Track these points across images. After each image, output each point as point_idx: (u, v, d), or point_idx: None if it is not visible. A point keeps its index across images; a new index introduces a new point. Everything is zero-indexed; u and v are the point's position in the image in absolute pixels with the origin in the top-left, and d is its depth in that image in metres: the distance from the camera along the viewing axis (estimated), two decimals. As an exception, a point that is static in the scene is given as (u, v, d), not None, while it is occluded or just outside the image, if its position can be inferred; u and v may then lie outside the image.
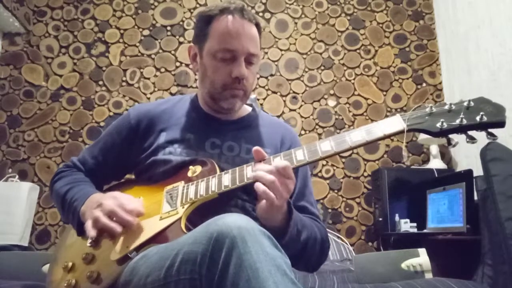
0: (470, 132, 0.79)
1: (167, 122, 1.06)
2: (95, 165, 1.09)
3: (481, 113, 0.76)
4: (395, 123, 0.82)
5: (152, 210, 0.91)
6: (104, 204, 0.88)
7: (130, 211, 0.87)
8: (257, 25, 1.03)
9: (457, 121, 0.77)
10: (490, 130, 0.78)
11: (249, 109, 1.16)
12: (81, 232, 0.96)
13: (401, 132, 0.81)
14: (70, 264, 0.91)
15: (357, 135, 0.83)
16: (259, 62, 1.07)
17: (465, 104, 0.79)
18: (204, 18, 1.02)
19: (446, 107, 0.81)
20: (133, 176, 1.13)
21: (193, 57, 1.08)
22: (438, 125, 0.79)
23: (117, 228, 0.85)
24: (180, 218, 0.86)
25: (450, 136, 0.81)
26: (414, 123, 0.81)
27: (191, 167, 0.96)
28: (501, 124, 0.76)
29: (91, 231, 0.87)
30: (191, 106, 1.12)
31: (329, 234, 2.51)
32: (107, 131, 1.12)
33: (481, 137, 0.80)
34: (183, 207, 0.88)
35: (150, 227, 0.86)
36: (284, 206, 0.86)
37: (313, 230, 0.97)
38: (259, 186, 0.80)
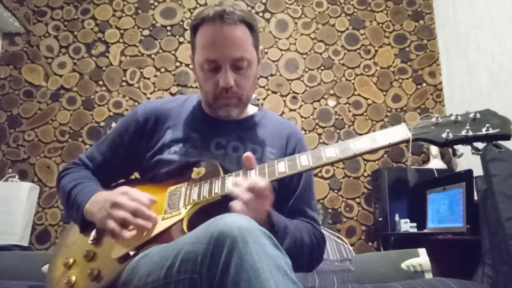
0: (475, 144, 0.80)
1: (174, 120, 1.07)
2: (104, 161, 1.09)
3: (487, 125, 0.77)
4: (400, 132, 0.83)
5: (155, 210, 0.90)
6: (123, 203, 0.85)
7: (146, 205, 0.86)
8: (247, 24, 0.97)
9: (463, 132, 0.78)
10: (495, 142, 0.78)
11: (255, 108, 1.16)
12: (84, 229, 0.96)
13: (406, 141, 0.81)
14: (71, 260, 0.91)
15: (362, 143, 0.83)
16: (255, 62, 1.02)
17: (471, 115, 0.80)
18: (192, 28, 1.01)
19: (452, 118, 0.81)
20: (137, 175, 1.13)
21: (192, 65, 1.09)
22: (444, 135, 0.80)
23: (148, 225, 0.84)
24: (182, 219, 0.86)
25: (455, 147, 0.82)
26: (419, 133, 0.82)
27: (195, 168, 0.96)
28: (507, 137, 0.77)
29: (125, 233, 0.83)
30: (198, 106, 1.12)
31: (329, 234, 2.49)
32: (115, 128, 1.12)
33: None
34: (185, 208, 0.88)
35: (152, 227, 0.86)
36: (263, 217, 0.86)
37: (298, 236, 0.95)
38: (234, 206, 0.80)
